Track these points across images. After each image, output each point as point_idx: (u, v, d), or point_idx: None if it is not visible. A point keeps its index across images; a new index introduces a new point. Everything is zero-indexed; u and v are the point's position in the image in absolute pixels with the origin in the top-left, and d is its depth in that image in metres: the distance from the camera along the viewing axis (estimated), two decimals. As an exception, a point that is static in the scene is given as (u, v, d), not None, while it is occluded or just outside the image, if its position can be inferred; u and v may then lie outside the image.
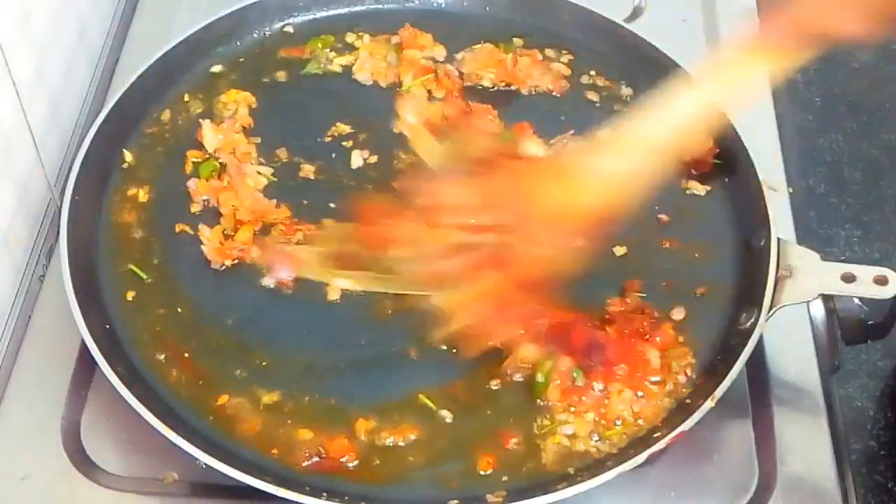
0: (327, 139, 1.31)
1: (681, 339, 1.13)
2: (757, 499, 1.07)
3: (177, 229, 1.22)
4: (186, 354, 1.12)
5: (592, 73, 1.38)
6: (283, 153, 1.29)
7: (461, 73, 1.37)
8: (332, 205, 1.24)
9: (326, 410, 1.09)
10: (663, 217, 1.24)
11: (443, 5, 1.45)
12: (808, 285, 1.10)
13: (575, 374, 1.09)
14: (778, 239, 1.14)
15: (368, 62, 1.38)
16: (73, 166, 1.21)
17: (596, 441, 1.07)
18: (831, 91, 1.51)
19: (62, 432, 1.11)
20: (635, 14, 1.51)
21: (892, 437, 1.20)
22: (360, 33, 1.41)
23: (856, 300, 1.12)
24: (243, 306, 1.17)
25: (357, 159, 1.29)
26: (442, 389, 1.10)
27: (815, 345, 1.17)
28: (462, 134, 1.27)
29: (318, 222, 1.22)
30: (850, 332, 1.15)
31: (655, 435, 1.05)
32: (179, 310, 1.16)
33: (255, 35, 1.41)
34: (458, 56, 1.39)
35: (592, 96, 1.36)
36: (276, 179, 1.26)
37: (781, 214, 1.24)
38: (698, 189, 1.27)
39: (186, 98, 1.34)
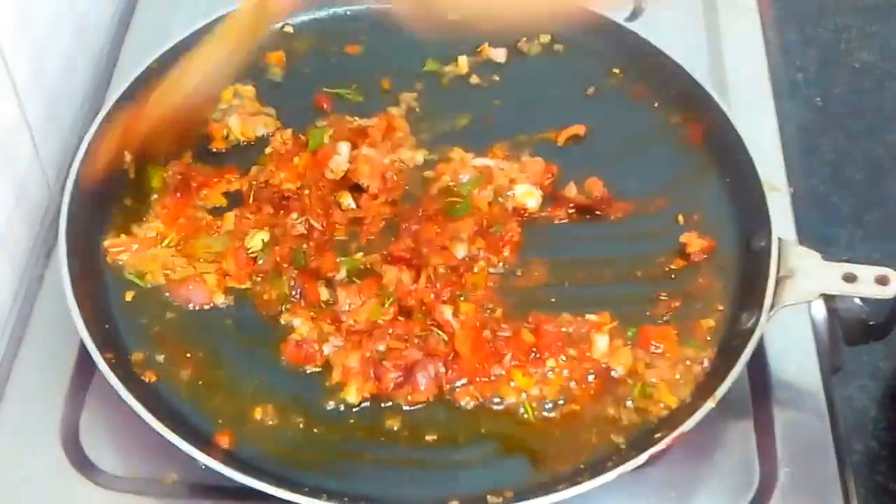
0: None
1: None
2: (758, 499, 1.07)
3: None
4: (188, 355, 1.12)
5: (593, 71, 1.38)
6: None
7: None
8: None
9: (325, 413, 1.09)
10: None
11: (441, 5, 1.44)
12: (809, 285, 1.10)
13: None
14: (779, 239, 1.14)
15: None
16: (73, 166, 1.20)
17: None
18: (832, 91, 1.51)
19: (61, 433, 1.11)
20: (635, 13, 1.51)
21: (893, 438, 1.20)
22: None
23: (857, 300, 1.11)
24: (243, 306, 1.16)
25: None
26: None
27: (817, 345, 1.17)
28: None
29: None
30: (852, 332, 1.14)
31: (656, 435, 1.04)
32: (178, 311, 1.16)
33: (254, 34, 1.40)
34: None
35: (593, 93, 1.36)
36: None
37: (782, 214, 1.24)
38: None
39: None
